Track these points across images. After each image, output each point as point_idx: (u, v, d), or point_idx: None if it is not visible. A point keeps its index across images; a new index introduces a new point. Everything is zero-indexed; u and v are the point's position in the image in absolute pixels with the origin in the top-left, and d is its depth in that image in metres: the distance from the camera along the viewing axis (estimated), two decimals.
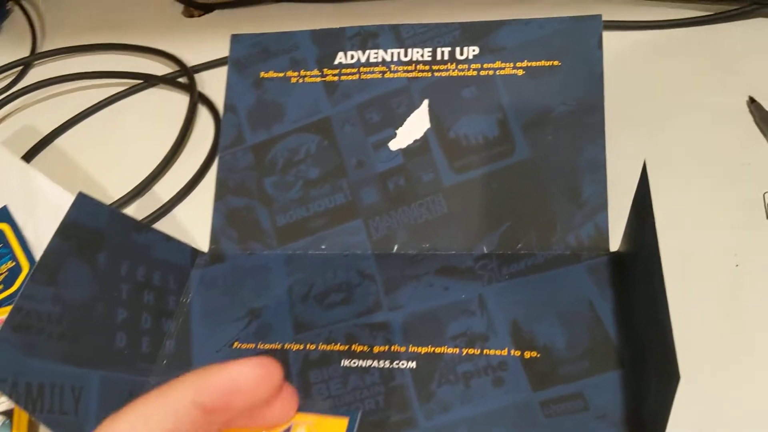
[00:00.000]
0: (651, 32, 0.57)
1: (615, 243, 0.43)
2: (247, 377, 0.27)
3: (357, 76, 0.51)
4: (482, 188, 0.46)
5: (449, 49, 0.50)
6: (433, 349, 0.41)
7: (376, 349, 0.41)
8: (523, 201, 0.46)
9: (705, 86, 0.52)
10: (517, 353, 0.40)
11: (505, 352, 0.40)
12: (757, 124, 0.49)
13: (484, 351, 0.40)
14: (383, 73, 0.50)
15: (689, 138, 0.49)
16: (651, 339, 0.33)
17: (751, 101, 0.49)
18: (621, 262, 0.42)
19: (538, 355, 0.39)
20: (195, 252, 0.49)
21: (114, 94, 0.65)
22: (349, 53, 0.51)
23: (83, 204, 0.41)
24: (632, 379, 0.37)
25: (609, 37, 0.50)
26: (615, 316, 0.40)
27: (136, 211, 0.54)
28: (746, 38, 0.55)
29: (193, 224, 0.52)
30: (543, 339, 0.40)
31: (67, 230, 0.40)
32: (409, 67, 0.50)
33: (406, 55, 0.50)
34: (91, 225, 0.41)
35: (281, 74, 0.52)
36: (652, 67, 0.55)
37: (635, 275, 0.38)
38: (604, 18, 0.48)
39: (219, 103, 0.60)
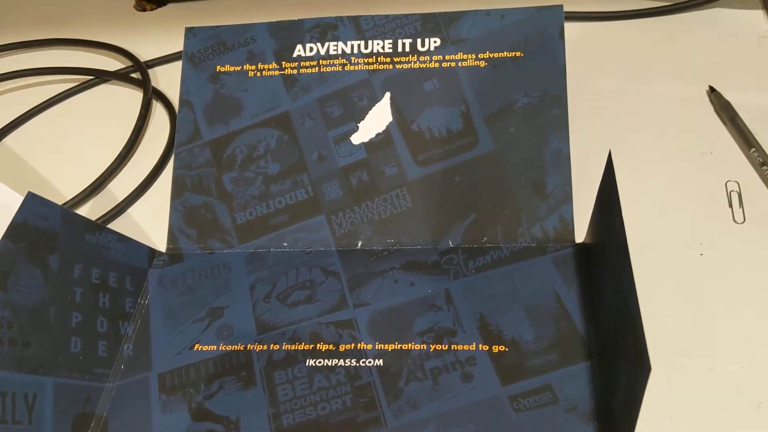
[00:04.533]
0: (611, 23, 0.57)
1: (580, 234, 0.43)
2: None
3: (317, 69, 0.50)
4: (446, 181, 0.46)
5: (410, 40, 0.49)
6: (400, 345, 0.40)
7: (342, 348, 0.40)
8: (487, 194, 0.45)
9: (665, 76, 0.52)
10: (485, 348, 0.39)
11: (473, 347, 0.39)
12: (717, 113, 0.49)
13: (452, 346, 0.39)
14: (343, 65, 0.49)
15: (651, 128, 0.49)
16: (620, 330, 0.33)
17: (711, 90, 0.50)
18: (587, 253, 0.42)
19: (506, 349, 0.39)
20: (152, 252, 0.47)
21: (64, 91, 0.63)
22: (308, 46, 0.50)
23: (33, 204, 0.39)
24: (601, 371, 0.37)
25: (570, 28, 0.50)
26: (582, 308, 0.40)
27: (90, 211, 0.52)
28: (705, 28, 0.55)
29: (150, 223, 0.51)
30: (510, 332, 0.40)
31: (17, 232, 0.38)
32: (370, 60, 0.49)
33: (366, 47, 0.49)
34: (41, 226, 0.39)
35: (238, 68, 0.51)
36: (613, 57, 0.55)
37: (602, 266, 0.38)
38: (565, 9, 0.48)
39: (174, 98, 0.59)
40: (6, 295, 0.37)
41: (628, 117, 0.50)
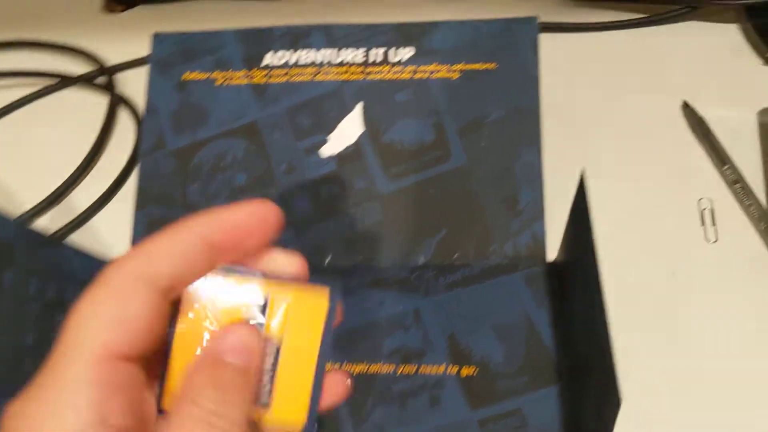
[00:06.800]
0: (586, 34, 0.57)
1: (552, 249, 0.42)
2: (255, 214, 0.26)
3: (286, 77, 0.48)
4: (418, 196, 0.45)
5: (383, 50, 0.48)
6: (367, 366, 0.39)
7: None
8: (459, 209, 0.44)
9: (639, 90, 0.52)
10: (454, 370, 0.38)
11: (441, 370, 0.38)
12: (691, 128, 0.48)
13: (420, 368, 0.38)
14: (314, 74, 0.48)
15: (625, 144, 0.49)
16: (590, 353, 0.32)
17: (685, 106, 0.49)
18: (558, 272, 0.41)
19: (475, 372, 0.38)
20: None
21: (26, 96, 0.61)
22: (278, 53, 0.49)
23: None
24: (570, 393, 0.36)
25: (544, 39, 0.49)
26: (552, 328, 0.39)
27: (50, 221, 0.51)
28: (679, 42, 0.55)
29: (112, 235, 0.49)
30: (480, 353, 0.39)
31: None
32: (341, 69, 0.48)
33: (338, 56, 0.48)
34: None
35: (206, 75, 0.49)
36: (587, 70, 0.54)
37: (573, 286, 0.37)
38: (539, 20, 0.47)
39: (140, 105, 0.57)
40: None
41: (602, 131, 0.50)
